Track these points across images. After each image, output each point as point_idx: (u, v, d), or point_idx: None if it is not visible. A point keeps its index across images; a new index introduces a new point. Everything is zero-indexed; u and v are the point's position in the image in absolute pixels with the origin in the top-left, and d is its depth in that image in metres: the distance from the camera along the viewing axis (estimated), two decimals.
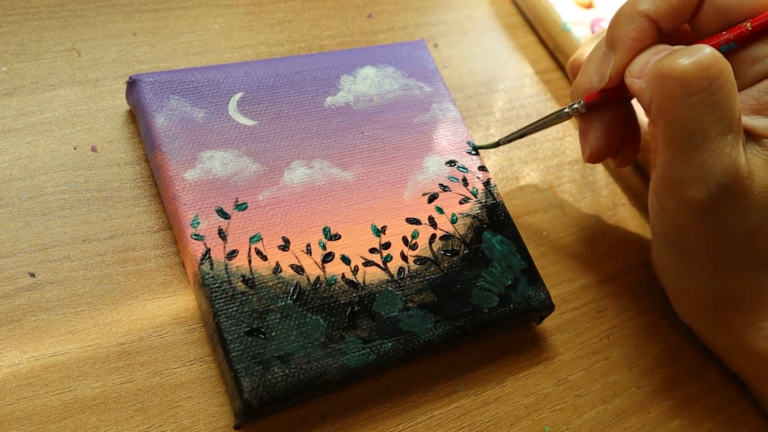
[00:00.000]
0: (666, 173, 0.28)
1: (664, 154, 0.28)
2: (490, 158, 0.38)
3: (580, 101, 0.32)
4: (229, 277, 0.27)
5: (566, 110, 0.32)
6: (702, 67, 0.26)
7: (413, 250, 0.30)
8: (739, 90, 0.28)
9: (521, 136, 0.34)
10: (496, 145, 0.35)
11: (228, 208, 0.28)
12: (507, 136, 0.34)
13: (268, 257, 0.28)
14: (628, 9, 0.29)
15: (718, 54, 0.26)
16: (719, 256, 0.30)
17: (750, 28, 0.28)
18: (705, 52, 0.26)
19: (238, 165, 0.29)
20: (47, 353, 0.25)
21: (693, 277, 0.32)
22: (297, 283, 0.27)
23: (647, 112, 0.28)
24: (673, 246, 0.31)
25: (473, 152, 0.34)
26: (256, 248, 0.28)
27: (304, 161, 0.31)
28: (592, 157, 0.33)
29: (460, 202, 0.32)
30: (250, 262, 0.27)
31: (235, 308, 0.26)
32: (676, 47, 0.28)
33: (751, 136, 0.28)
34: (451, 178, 0.33)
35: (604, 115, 0.32)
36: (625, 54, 0.29)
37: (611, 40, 0.30)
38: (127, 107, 0.32)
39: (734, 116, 0.27)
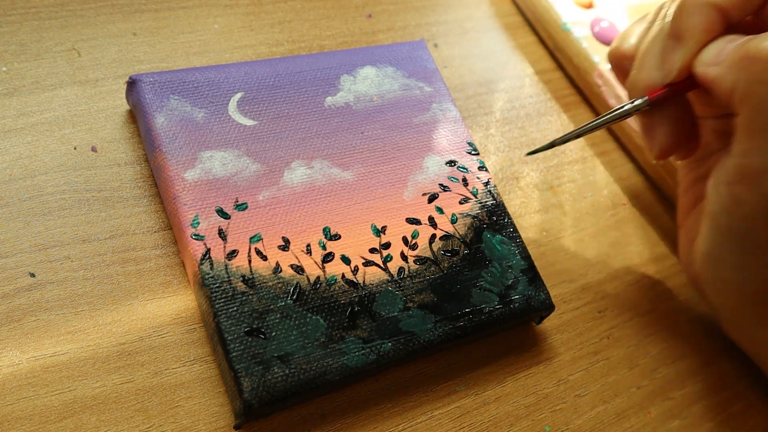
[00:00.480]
0: (747, 162, 0.27)
1: (745, 142, 0.26)
2: (490, 158, 0.38)
3: (643, 97, 0.30)
4: (229, 277, 0.27)
5: (627, 107, 0.31)
6: None
7: (413, 250, 0.30)
8: None
9: (578, 136, 0.33)
10: (551, 146, 0.33)
11: (228, 208, 0.28)
12: (562, 136, 0.33)
13: (268, 257, 0.28)
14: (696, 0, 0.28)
15: None
16: None
17: None
18: None
19: (238, 165, 0.29)
20: (47, 353, 0.25)
21: (752, 271, 0.30)
22: (297, 283, 0.27)
23: (724, 100, 0.27)
24: (739, 239, 0.29)
25: (473, 152, 0.34)
26: (256, 248, 0.28)
27: (304, 161, 0.31)
28: (662, 154, 0.31)
29: (460, 202, 0.32)
30: (250, 262, 0.27)
31: (235, 308, 0.26)
32: (751, 36, 0.27)
33: None
34: (451, 178, 0.33)
35: (672, 110, 0.31)
36: (694, 46, 0.28)
37: (677, 31, 0.28)
38: (127, 107, 0.32)
39: None
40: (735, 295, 0.32)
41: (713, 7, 0.28)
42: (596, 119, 0.32)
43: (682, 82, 0.29)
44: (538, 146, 0.33)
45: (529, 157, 0.39)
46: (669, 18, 0.30)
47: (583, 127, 0.32)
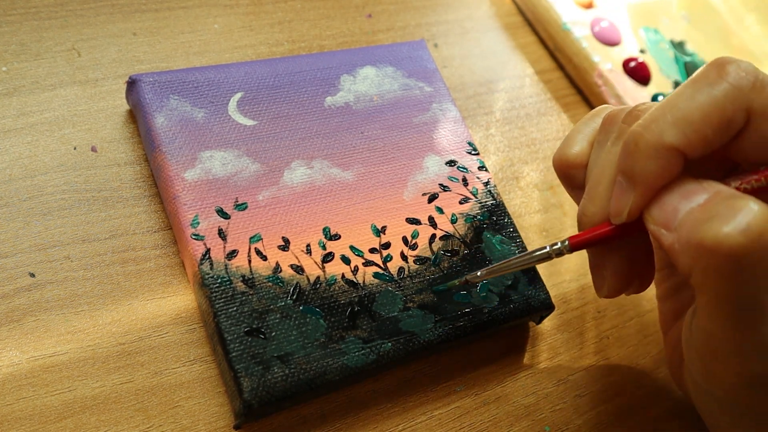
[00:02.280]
0: (715, 345, 0.23)
1: (711, 325, 0.23)
2: (490, 158, 0.38)
3: (564, 241, 0.26)
4: (229, 277, 0.27)
5: (547, 250, 0.27)
6: (754, 236, 0.20)
7: (413, 250, 0.30)
8: None
9: (490, 274, 0.29)
10: (466, 282, 0.29)
11: (228, 208, 0.28)
12: (473, 274, 0.29)
13: (268, 257, 0.28)
14: (651, 139, 0.23)
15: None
16: None
17: None
18: (753, 214, 0.21)
19: (238, 165, 0.29)
20: (47, 353, 0.25)
21: (748, 428, 0.27)
22: (297, 283, 0.27)
23: (680, 272, 0.23)
24: (727, 407, 0.26)
25: (473, 152, 0.34)
26: (256, 248, 0.28)
27: (304, 161, 0.31)
28: (611, 294, 0.27)
29: (460, 202, 0.32)
30: (250, 262, 0.27)
31: (235, 308, 0.26)
32: (710, 199, 0.22)
33: None
34: (451, 178, 0.33)
35: (624, 247, 0.26)
36: (648, 192, 0.24)
37: (630, 174, 0.24)
38: (127, 107, 0.32)
39: None
40: None
41: (671, 151, 0.23)
42: (513, 260, 0.28)
43: (632, 225, 0.25)
44: (448, 282, 0.30)
45: (530, 157, 0.39)
46: (620, 139, 0.25)
47: (497, 265, 0.29)
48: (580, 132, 0.28)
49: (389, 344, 0.27)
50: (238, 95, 0.31)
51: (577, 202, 0.29)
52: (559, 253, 0.26)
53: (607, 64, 0.43)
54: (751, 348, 0.22)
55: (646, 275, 0.28)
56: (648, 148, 0.23)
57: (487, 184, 0.33)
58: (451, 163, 0.33)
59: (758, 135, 0.23)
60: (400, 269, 0.29)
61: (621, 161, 0.24)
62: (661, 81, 0.44)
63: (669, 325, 0.30)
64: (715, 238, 0.21)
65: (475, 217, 0.32)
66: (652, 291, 0.37)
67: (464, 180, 0.33)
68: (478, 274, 0.29)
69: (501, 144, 0.39)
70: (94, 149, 0.30)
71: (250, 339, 0.26)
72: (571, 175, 0.28)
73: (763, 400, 0.24)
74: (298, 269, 0.28)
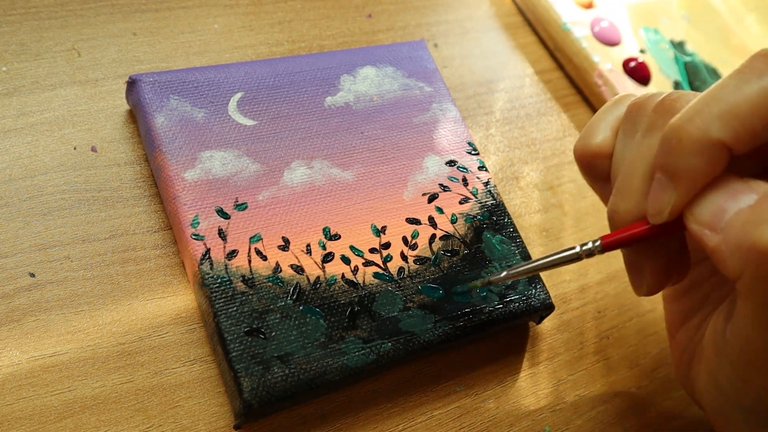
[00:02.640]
0: (756, 354, 0.22)
1: (754, 333, 0.22)
2: (490, 158, 0.38)
3: (596, 241, 0.25)
4: (229, 277, 0.27)
5: (577, 250, 0.25)
6: None
7: (413, 250, 0.30)
8: None
9: (516, 277, 0.28)
10: (488, 284, 0.29)
11: (228, 208, 0.28)
12: (497, 276, 0.28)
13: (268, 257, 0.28)
14: (696, 134, 0.21)
15: None
16: None
17: None
18: None
19: (238, 165, 0.29)
20: (47, 353, 0.25)
21: None
22: (297, 283, 0.27)
23: (726, 275, 0.22)
24: (752, 418, 0.25)
25: (473, 152, 0.34)
26: (256, 248, 0.28)
27: (304, 161, 0.31)
28: (652, 292, 0.26)
29: (460, 202, 0.32)
30: (250, 262, 0.27)
31: (235, 308, 0.26)
32: (761, 200, 0.21)
33: None
34: (451, 178, 0.33)
35: (664, 245, 0.25)
36: (691, 191, 0.22)
37: (671, 171, 0.22)
38: (127, 107, 0.32)
39: None
40: None
41: (717, 147, 0.21)
42: (540, 260, 0.27)
43: (671, 224, 0.23)
44: (469, 283, 0.29)
45: (530, 157, 0.39)
46: (653, 132, 0.24)
47: (523, 266, 0.27)
48: (603, 120, 0.27)
49: (389, 344, 0.27)
50: (238, 95, 0.31)
51: (600, 194, 0.28)
52: (590, 254, 0.25)
53: (607, 64, 0.43)
54: None
55: (684, 266, 0.26)
56: (692, 143, 0.21)
57: (487, 184, 0.33)
58: (451, 163, 0.33)
59: None
60: (400, 269, 0.29)
61: (661, 157, 0.22)
62: (661, 81, 0.44)
63: (677, 328, 0.29)
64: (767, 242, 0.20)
65: (475, 217, 0.32)
66: None
67: (464, 180, 0.33)
68: (502, 275, 0.28)
69: (501, 144, 0.39)
70: (94, 149, 0.30)
71: (250, 339, 0.26)
72: (595, 166, 0.27)
73: None
74: (298, 269, 0.28)
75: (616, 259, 0.37)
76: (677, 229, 0.23)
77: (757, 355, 0.22)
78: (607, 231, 0.38)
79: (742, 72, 0.21)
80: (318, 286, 0.28)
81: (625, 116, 0.26)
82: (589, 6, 0.45)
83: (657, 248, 0.25)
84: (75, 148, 0.30)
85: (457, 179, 0.33)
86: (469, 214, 0.32)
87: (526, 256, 0.32)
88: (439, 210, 0.32)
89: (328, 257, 0.28)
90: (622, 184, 0.24)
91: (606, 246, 0.25)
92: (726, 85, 0.21)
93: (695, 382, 0.27)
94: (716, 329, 0.24)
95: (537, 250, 0.35)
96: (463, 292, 0.29)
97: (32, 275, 0.26)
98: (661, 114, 0.24)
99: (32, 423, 0.24)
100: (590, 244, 0.25)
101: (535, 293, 0.31)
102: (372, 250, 0.29)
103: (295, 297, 0.27)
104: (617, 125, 0.27)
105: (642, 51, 0.45)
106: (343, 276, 0.28)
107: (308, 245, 0.28)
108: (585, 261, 0.36)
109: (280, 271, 0.27)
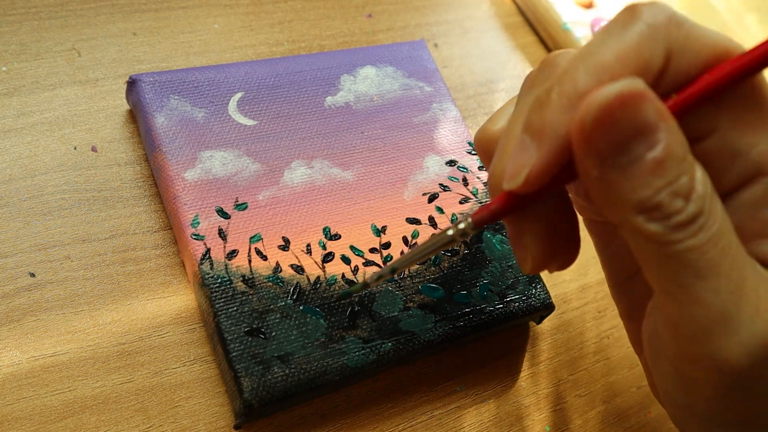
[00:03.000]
0: (686, 334, 0.19)
1: (671, 304, 0.19)
2: None
3: (467, 220, 0.22)
4: (229, 277, 0.27)
5: (451, 233, 0.23)
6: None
7: None
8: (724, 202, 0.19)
9: (393, 272, 0.25)
10: (365, 286, 0.26)
11: (228, 208, 0.28)
12: (375, 275, 0.25)
13: (268, 257, 0.28)
14: (565, 90, 0.19)
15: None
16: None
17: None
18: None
19: (238, 165, 0.29)
20: (47, 353, 0.25)
21: None
22: (297, 282, 0.27)
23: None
24: (704, 419, 0.22)
25: (474, 152, 0.34)
26: (256, 248, 0.28)
27: (304, 161, 0.31)
28: (536, 268, 0.23)
29: (461, 202, 0.32)
30: (250, 262, 0.27)
31: (235, 308, 0.26)
32: None
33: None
34: (451, 178, 0.33)
35: (542, 210, 0.22)
36: (554, 150, 0.19)
37: (536, 128, 0.20)
38: (127, 107, 0.32)
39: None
40: None
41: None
42: (416, 249, 0.24)
43: (535, 193, 0.21)
44: (350, 288, 0.27)
45: None
46: (532, 90, 0.23)
47: (397, 261, 0.25)
48: (506, 109, 0.25)
49: (389, 344, 0.27)
50: (238, 95, 0.31)
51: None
52: (464, 234, 0.22)
53: None
54: (715, 317, 0.18)
55: (570, 249, 0.24)
56: (561, 97, 0.19)
57: (487, 184, 0.33)
58: (451, 162, 0.33)
59: (678, 74, 0.19)
60: None
61: (528, 115, 0.20)
62: None
63: (640, 346, 0.26)
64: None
65: None
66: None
67: (464, 180, 0.33)
68: (376, 278, 0.25)
69: None
70: (94, 149, 0.30)
71: (250, 339, 0.26)
72: (491, 153, 0.24)
73: (747, 406, 0.20)
74: (299, 269, 0.28)
75: None
76: (538, 198, 0.21)
77: (688, 334, 0.19)
78: None
79: (610, 25, 0.20)
80: (318, 286, 0.28)
81: (519, 91, 0.24)
82: (589, 6, 0.45)
83: (538, 220, 0.22)
84: (75, 148, 0.30)
85: (458, 179, 0.33)
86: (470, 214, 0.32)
87: None
88: (440, 210, 0.32)
89: (328, 257, 0.28)
90: (500, 148, 0.22)
91: (476, 222, 0.22)
92: (594, 40, 0.20)
93: (661, 398, 0.25)
94: (650, 332, 0.22)
95: None
96: (347, 294, 0.27)
97: (32, 275, 0.26)
98: (541, 70, 0.23)
99: (32, 423, 0.24)
100: (462, 224, 0.22)
101: (536, 293, 0.31)
102: (372, 250, 0.29)
103: (295, 297, 0.27)
104: None
105: None
106: (343, 276, 0.28)
107: (308, 245, 0.28)
108: (586, 260, 0.36)
109: (281, 271, 0.27)
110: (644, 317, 0.24)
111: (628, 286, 0.26)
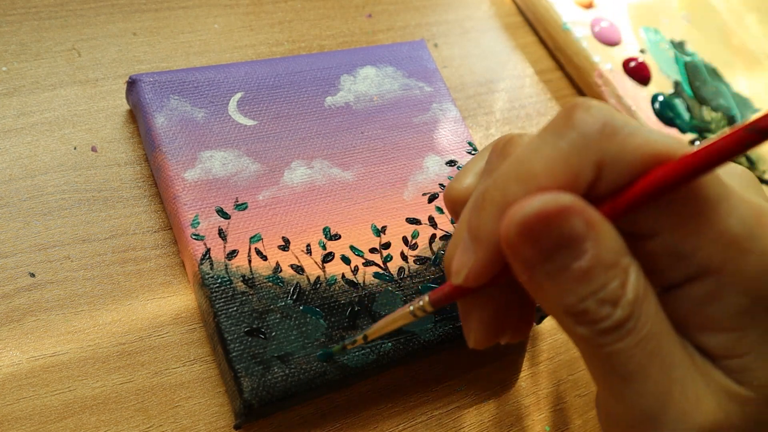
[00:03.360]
0: (611, 412, 0.20)
1: (602, 394, 0.20)
2: None
3: (425, 298, 0.23)
4: (229, 277, 0.27)
5: (411, 308, 0.23)
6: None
7: (413, 250, 0.30)
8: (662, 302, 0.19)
9: (364, 339, 0.26)
10: (343, 349, 0.27)
11: (228, 208, 0.28)
12: (351, 339, 0.26)
13: (268, 257, 0.28)
14: (495, 196, 0.19)
15: None
16: None
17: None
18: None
19: (238, 165, 0.29)
20: (47, 353, 0.25)
21: None
22: (297, 283, 0.27)
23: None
24: None
25: (474, 152, 0.34)
26: (256, 248, 0.28)
27: (304, 161, 0.31)
28: (479, 345, 0.23)
29: None
30: (250, 262, 0.27)
31: (235, 308, 0.26)
32: None
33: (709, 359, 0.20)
34: (451, 178, 0.33)
35: (491, 296, 0.23)
36: (488, 255, 0.20)
37: (473, 231, 0.20)
38: (127, 107, 0.32)
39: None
40: None
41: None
42: (379, 322, 0.25)
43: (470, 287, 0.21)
44: (331, 348, 0.27)
45: None
46: (488, 177, 0.22)
47: (368, 330, 0.25)
48: (473, 165, 0.25)
49: (389, 344, 0.27)
50: (238, 95, 0.31)
51: None
52: (423, 310, 0.23)
53: (607, 64, 0.43)
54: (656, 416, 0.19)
55: (522, 325, 0.24)
56: (492, 205, 0.19)
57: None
58: (451, 163, 0.33)
59: (612, 182, 0.19)
60: (401, 269, 0.29)
61: (468, 216, 0.21)
62: (661, 81, 0.44)
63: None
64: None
65: None
66: None
67: None
68: (347, 343, 0.26)
69: None
70: (94, 149, 0.30)
71: (250, 339, 0.26)
72: (459, 212, 0.25)
73: None
74: (299, 269, 0.28)
75: None
76: (488, 285, 0.21)
77: (616, 414, 0.20)
78: None
79: (546, 130, 0.20)
80: (318, 286, 0.28)
81: (486, 161, 0.24)
82: (589, 6, 0.45)
83: (483, 304, 0.23)
84: (75, 148, 0.30)
85: None
86: None
87: None
88: (440, 210, 0.32)
89: (328, 257, 0.28)
90: (455, 230, 0.23)
91: (433, 302, 0.23)
92: (531, 144, 0.20)
93: None
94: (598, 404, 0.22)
95: None
96: (329, 354, 0.27)
97: (32, 275, 0.26)
98: (496, 157, 0.23)
99: (32, 423, 0.24)
100: (421, 302, 0.23)
101: None
102: (372, 250, 0.29)
103: (295, 297, 0.27)
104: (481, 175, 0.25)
105: (642, 51, 0.45)
106: (343, 276, 0.28)
107: (308, 245, 0.28)
108: None
109: (281, 271, 0.27)
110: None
111: None
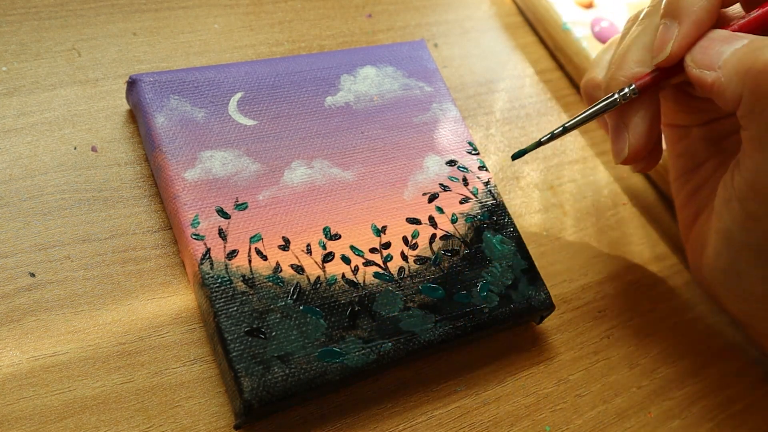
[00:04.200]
0: (760, 179, 0.25)
1: (758, 157, 0.25)
2: (491, 158, 0.38)
3: (631, 86, 0.28)
4: (229, 276, 0.27)
5: (615, 97, 0.29)
6: None
7: (413, 249, 0.30)
8: None
9: (564, 132, 0.31)
10: (538, 145, 0.31)
11: (228, 208, 0.28)
12: (548, 134, 0.31)
13: (268, 257, 0.28)
14: None
15: None
16: None
17: None
18: None
19: (238, 165, 0.29)
20: (47, 353, 0.25)
21: None
22: (297, 283, 0.27)
23: (726, 108, 0.26)
24: (761, 253, 0.28)
25: (473, 152, 0.34)
26: (256, 248, 0.28)
27: (305, 161, 0.31)
28: (632, 157, 0.29)
29: (461, 202, 0.32)
30: (250, 262, 0.27)
31: (235, 308, 0.26)
32: (752, 41, 0.25)
33: None
34: (451, 178, 0.33)
35: (647, 105, 0.29)
36: (693, 28, 0.26)
37: (674, 9, 0.26)
38: (127, 107, 0.32)
39: None
40: (764, 306, 0.30)
41: None
42: (581, 113, 0.30)
43: (672, 69, 0.28)
44: (523, 147, 0.32)
45: (530, 157, 0.39)
46: (649, 16, 0.29)
47: (567, 122, 0.31)
48: (606, 53, 0.31)
49: (389, 344, 0.27)
50: (238, 95, 0.31)
51: (603, 125, 0.34)
52: (625, 98, 0.28)
53: None
54: None
55: (655, 153, 0.31)
56: None
57: (487, 183, 0.33)
58: (451, 162, 0.33)
59: None
60: (401, 269, 0.29)
61: (666, 4, 0.27)
62: None
63: (690, 228, 0.33)
64: (766, 61, 0.23)
65: (476, 216, 0.32)
66: (651, 291, 0.37)
67: (464, 180, 0.33)
68: (548, 136, 0.31)
69: (501, 144, 0.39)
70: (94, 149, 0.30)
71: (250, 339, 0.26)
72: (596, 97, 0.31)
73: None
74: (299, 269, 0.28)
75: (616, 259, 0.37)
76: (679, 72, 0.27)
77: (764, 183, 0.25)
78: (611, 232, 0.38)
79: None
80: (318, 286, 0.28)
81: (623, 30, 0.31)
82: (589, 6, 0.45)
83: (641, 110, 0.28)
84: (75, 148, 0.30)
85: (458, 179, 0.33)
86: (470, 214, 0.32)
87: (526, 256, 0.32)
88: (440, 210, 0.32)
89: (328, 257, 0.28)
90: (626, 48, 0.29)
91: (639, 87, 0.28)
92: None
93: (707, 261, 0.31)
94: (725, 186, 0.28)
95: (537, 250, 0.35)
96: (523, 153, 0.31)
97: (32, 275, 0.26)
98: (643, 11, 0.29)
99: (32, 423, 0.24)
100: (626, 90, 0.28)
101: (536, 293, 0.31)
102: (372, 250, 0.29)
103: (295, 297, 0.27)
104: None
105: None
106: (343, 276, 0.28)
107: (308, 245, 0.28)
108: (586, 260, 0.36)
109: (281, 270, 0.27)
110: (697, 207, 0.32)
111: (690, 177, 0.33)
